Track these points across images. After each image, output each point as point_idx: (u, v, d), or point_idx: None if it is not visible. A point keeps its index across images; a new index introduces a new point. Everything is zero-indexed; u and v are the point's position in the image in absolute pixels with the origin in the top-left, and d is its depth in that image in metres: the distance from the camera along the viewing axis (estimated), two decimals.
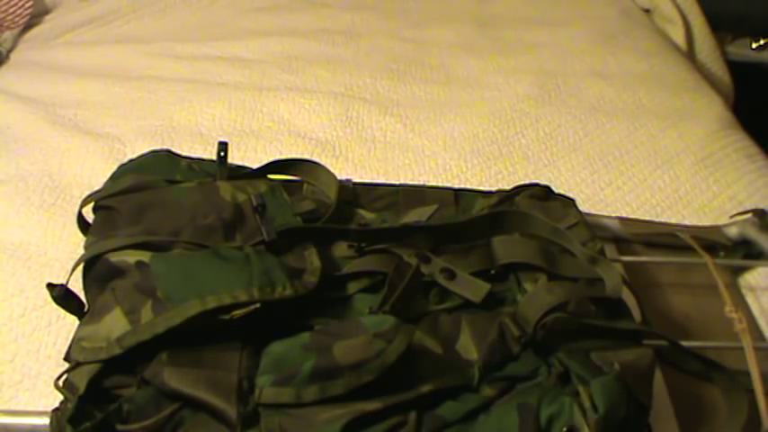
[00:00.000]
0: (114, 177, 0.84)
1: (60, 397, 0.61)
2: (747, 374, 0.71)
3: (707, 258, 0.86)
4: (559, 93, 1.30)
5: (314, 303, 0.70)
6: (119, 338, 0.62)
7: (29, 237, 0.94)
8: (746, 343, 0.74)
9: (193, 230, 0.74)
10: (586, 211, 0.91)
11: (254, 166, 0.88)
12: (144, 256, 0.68)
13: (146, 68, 1.36)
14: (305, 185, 0.87)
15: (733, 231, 0.95)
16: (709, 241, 0.93)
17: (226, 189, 0.79)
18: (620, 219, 0.97)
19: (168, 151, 0.88)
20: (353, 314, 0.71)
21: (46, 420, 0.61)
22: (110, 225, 0.77)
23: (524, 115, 1.23)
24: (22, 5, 1.52)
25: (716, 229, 0.96)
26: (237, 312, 0.63)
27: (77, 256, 0.73)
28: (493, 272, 0.76)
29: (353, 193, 0.86)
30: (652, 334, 0.72)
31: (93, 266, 0.70)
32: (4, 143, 1.14)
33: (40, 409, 0.67)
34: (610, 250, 0.90)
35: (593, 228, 0.83)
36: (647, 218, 1.01)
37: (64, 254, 0.91)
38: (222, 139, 0.85)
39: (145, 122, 1.19)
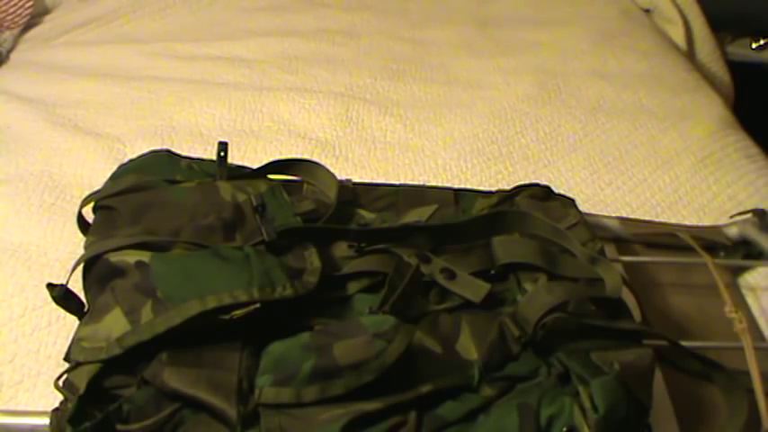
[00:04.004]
0: (114, 177, 0.84)
1: (60, 397, 0.61)
2: (747, 374, 0.71)
3: (707, 258, 0.86)
4: (559, 93, 1.30)
5: (314, 303, 0.70)
6: (119, 338, 0.62)
7: (29, 237, 0.94)
8: (746, 343, 0.74)
9: (193, 230, 0.74)
10: (586, 211, 0.91)
11: (254, 166, 0.88)
12: (144, 256, 0.68)
13: (146, 68, 1.36)
14: (305, 185, 0.87)
15: (733, 231, 0.95)
16: (709, 241, 0.93)
17: (226, 189, 0.79)
18: (620, 219, 0.97)
19: (168, 151, 0.88)
20: (353, 314, 0.71)
21: (46, 420, 0.61)
22: (110, 225, 0.77)
23: (524, 115, 1.23)
24: (22, 5, 1.52)
25: (716, 229, 0.96)
26: (237, 312, 0.63)
27: (77, 256, 0.73)
28: (493, 272, 0.76)
29: (353, 193, 0.86)
30: (652, 334, 0.72)
31: (93, 266, 0.70)
32: (4, 143, 1.14)
33: (40, 409, 0.67)
34: (610, 250, 0.90)
35: (593, 228, 0.83)
36: (647, 218, 1.01)
37: (64, 254, 0.91)
38: (222, 139, 0.85)
39: (145, 122, 1.18)
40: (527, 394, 0.62)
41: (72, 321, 0.70)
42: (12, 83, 1.32)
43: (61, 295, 0.70)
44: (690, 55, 1.63)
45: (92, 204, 0.81)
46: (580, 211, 0.84)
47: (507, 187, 0.89)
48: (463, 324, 0.69)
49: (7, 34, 1.49)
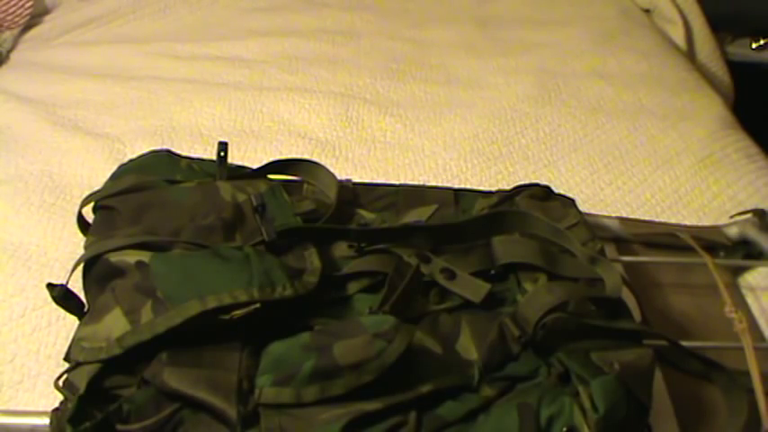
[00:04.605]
0: (114, 177, 0.84)
1: (60, 397, 0.62)
2: (747, 374, 0.71)
3: (707, 258, 0.86)
4: (559, 93, 1.30)
5: (314, 303, 0.70)
6: (119, 338, 0.62)
7: (29, 237, 0.94)
8: (746, 343, 0.74)
9: (193, 230, 0.74)
10: (586, 211, 0.91)
11: (254, 166, 0.88)
12: (144, 256, 0.68)
13: (146, 68, 1.36)
14: (305, 185, 0.87)
15: (733, 231, 0.95)
16: (709, 241, 0.93)
17: (226, 189, 0.79)
18: (620, 219, 0.97)
19: (168, 151, 0.88)
20: (353, 314, 0.71)
21: (46, 420, 0.61)
22: (110, 225, 0.77)
23: (524, 115, 1.22)
24: (22, 5, 1.52)
25: (716, 229, 0.96)
26: (237, 312, 0.63)
27: (77, 256, 0.73)
28: (493, 272, 0.76)
29: (353, 193, 0.86)
30: (652, 334, 0.72)
31: (93, 266, 0.70)
32: (4, 143, 1.14)
33: (40, 409, 0.67)
34: (610, 250, 0.90)
35: (593, 228, 0.83)
36: (647, 218, 1.01)
37: (64, 254, 0.91)
38: (222, 139, 0.85)
39: (145, 122, 1.18)
40: (527, 394, 0.62)
41: (72, 321, 0.70)
42: (12, 83, 1.32)
43: (61, 295, 0.70)
44: (690, 55, 1.63)
45: (92, 204, 0.81)
46: (580, 211, 0.84)
47: (507, 187, 0.89)
48: (463, 324, 0.69)
49: (7, 34, 1.49)
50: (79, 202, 0.82)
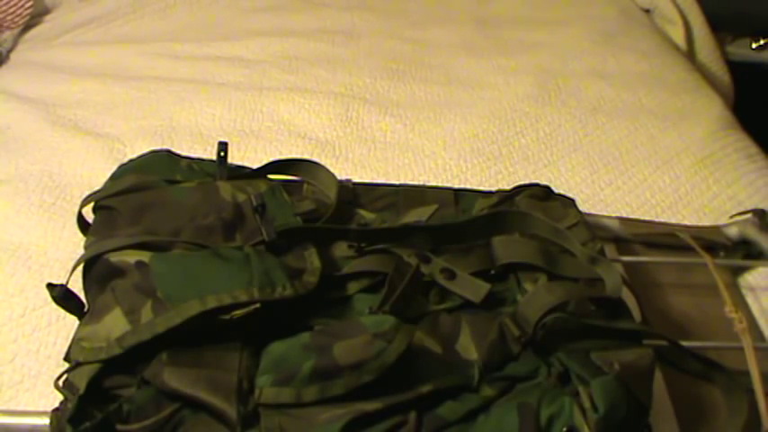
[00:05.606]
0: (114, 177, 0.84)
1: (60, 397, 0.61)
2: (747, 374, 0.71)
3: (707, 258, 0.86)
4: (559, 93, 1.30)
5: (314, 303, 0.70)
6: (119, 338, 0.62)
7: (29, 237, 0.94)
8: (746, 343, 0.74)
9: (193, 230, 0.74)
10: (586, 211, 0.91)
11: (254, 166, 0.88)
12: (144, 256, 0.68)
13: (146, 68, 1.36)
14: (305, 185, 0.87)
15: (733, 231, 0.95)
16: (709, 241, 0.93)
17: (226, 189, 0.79)
18: (620, 219, 0.97)
19: (168, 151, 0.88)
20: (353, 314, 0.71)
21: (46, 420, 0.61)
22: (110, 225, 0.77)
23: (524, 115, 1.23)
24: (22, 5, 1.52)
25: (716, 229, 0.96)
26: (237, 312, 0.63)
27: (77, 256, 0.73)
28: (493, 272, 0.76)
29: (353, 193, 0.86)
30: (652, 334, 0.72)
31: (93, 266, 0.70)
32: (4, 143, 1.14)
33: (40, 409, 0.67)
34: (610, 250, 0.90)
35: (593, 228, 0.83)
36: (647, 218, 1.01)
37: (64, 254, 0.91)
38: (222, 139, 0.85)
39: (145, 122, 1.19)
40: (527, 394, 0.62)
41: (72, 321, 0.70)
42: (12, 83, 1.32)
43: (61, 295, 0.70)
44: (690, 55, 1.63)
45: (92, 204, 0.81)
46: (580, 211, 0.85)
47: (507, 187, 0.89)
48: (463, 324, 0.69)
49: (7, 34, 1.49)
50: (79, 202, 0.82)
